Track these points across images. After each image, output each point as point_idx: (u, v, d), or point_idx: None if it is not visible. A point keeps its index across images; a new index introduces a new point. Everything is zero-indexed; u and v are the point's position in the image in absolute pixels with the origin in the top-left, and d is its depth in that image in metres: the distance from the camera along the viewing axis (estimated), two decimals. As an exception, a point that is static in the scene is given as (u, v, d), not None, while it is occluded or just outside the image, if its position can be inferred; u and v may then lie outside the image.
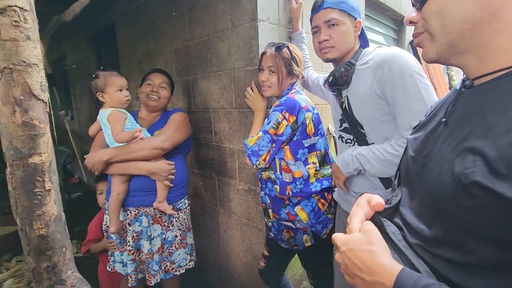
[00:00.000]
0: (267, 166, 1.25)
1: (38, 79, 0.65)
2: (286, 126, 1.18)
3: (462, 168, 0.39)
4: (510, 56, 0.41)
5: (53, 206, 0.75)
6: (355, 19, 1.09)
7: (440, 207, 0.43)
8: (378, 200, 0.54)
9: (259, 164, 1.23)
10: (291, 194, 1.24)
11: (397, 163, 0.65)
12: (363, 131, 1.09)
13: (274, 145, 1.21)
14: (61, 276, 0.78)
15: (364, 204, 0.57)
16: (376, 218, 0.55)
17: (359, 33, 1.11)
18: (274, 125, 1.18)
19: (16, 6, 0.60)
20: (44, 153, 0.68)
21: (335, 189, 1.32)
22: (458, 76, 4.00)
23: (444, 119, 0.48)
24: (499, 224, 0.35)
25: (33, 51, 0.64)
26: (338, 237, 0.54)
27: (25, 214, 0.71)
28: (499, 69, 0.41)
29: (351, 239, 0.50)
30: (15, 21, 0.60)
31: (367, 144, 1.10)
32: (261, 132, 1.21)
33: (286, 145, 1.23)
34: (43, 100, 0.67)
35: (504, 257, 0.36)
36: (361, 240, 0.49)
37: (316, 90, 1.48)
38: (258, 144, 1.22)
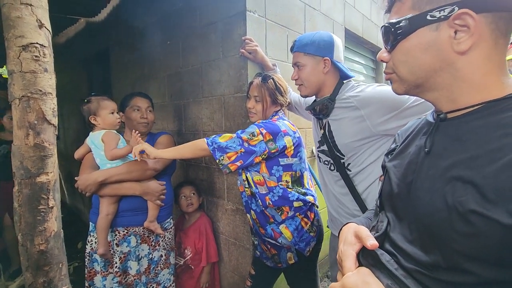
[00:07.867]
0: (232, 169, 1.25)
1: (51, 105, 0.73)
2: (261, 141, 1.24)
3: (455, 196, 0.42)
4: (473, 96, 0.47)
5: (54, 222, 0.80)
6: (323, 57, 1.18)
7: (436, 233, 0.45)
8: (374, 242, 0.52)
9: (222, 160, 1.24)
10: (272, 204, 1.28)
11: None
12: (339, 155, 1.19)
13: (242, 150, 1.23)
14: (57, 291, 0.81)
15: (352, 241, 0.57)
16: (369, 250, 0.54)
17: (327, 69, 1.18)
18: (248, 135, 1.24)
19: (37, 43, 0.69)
20: (51, 172, 0.74)
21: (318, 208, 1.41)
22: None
23: (426, 149, 0.51)
24: (497, 248, 0.38)
25: (49, 81, 0.72)
26: None
27: (27, 230, 0.75)
28: (466, 106, 0.48)
29: None
30: (36, 56, 0.68)
31: (343, 166, 1.19)
32: (234, 134, 1.26)
33: (262, 159, 1.27)
34: (53, 124, 0.74)
35: (502, 276, 0.39)
36: None
37: (300, 110, 1.58)
38: (227, 142, 1.25)
